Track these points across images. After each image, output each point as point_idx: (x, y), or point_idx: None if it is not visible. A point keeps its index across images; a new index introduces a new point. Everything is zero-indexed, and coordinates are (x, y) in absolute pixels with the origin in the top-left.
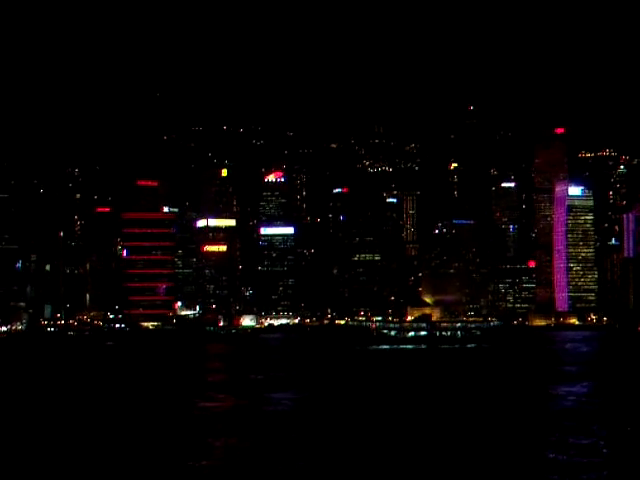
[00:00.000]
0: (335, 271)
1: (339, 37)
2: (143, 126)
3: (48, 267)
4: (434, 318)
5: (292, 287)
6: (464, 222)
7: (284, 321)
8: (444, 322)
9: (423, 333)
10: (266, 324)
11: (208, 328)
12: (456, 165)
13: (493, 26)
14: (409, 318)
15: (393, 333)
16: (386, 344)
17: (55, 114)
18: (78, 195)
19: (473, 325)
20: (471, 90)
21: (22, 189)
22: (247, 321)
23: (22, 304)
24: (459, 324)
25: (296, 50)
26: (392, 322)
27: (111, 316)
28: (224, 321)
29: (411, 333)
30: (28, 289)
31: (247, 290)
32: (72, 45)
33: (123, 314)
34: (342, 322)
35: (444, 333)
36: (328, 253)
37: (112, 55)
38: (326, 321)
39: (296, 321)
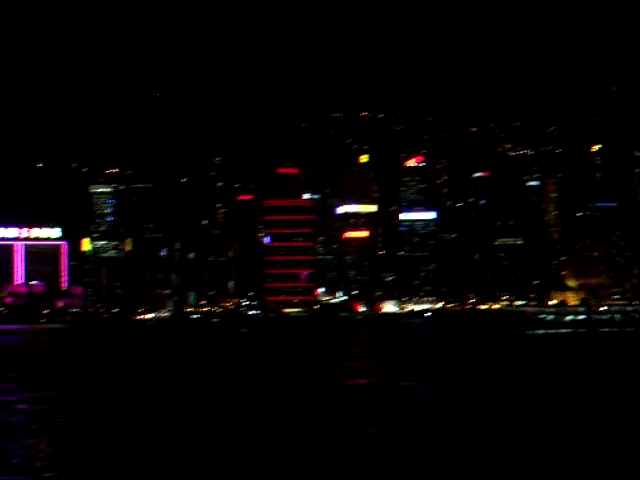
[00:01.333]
0: (477, 256)
1: (478, 22)
2: (283, 114)
3: (192, 255)
4: (577, 302)
5: (433, 272)
6: (607, 205)
7: (426, 306)
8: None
9: (581, 317)
10: (408, 309)
11: (342, 314)
12: (598, 147)
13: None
14: (552, 302)
15: (550, 317)
16: (543, 329)
17: (197, 104)
18: (220, 184)
19: (631, 308)
20: (613, 70)
21: (165, 179)
22: (389, 307)
23: (167, 292)
24: (615, 307)
25: (435, 35)
26: (549, 306)
27: (246, 303)
28: (365, 307)
29: (569, 317)
30: (173, 277)
31: (388, 276)
32: (210, 40)
33: (262, 300)
34: (484, 307)
35: (602, 317)
36: (469, 238)
37: (247, 47)
38: (468, 306)
39: (438, 306)
